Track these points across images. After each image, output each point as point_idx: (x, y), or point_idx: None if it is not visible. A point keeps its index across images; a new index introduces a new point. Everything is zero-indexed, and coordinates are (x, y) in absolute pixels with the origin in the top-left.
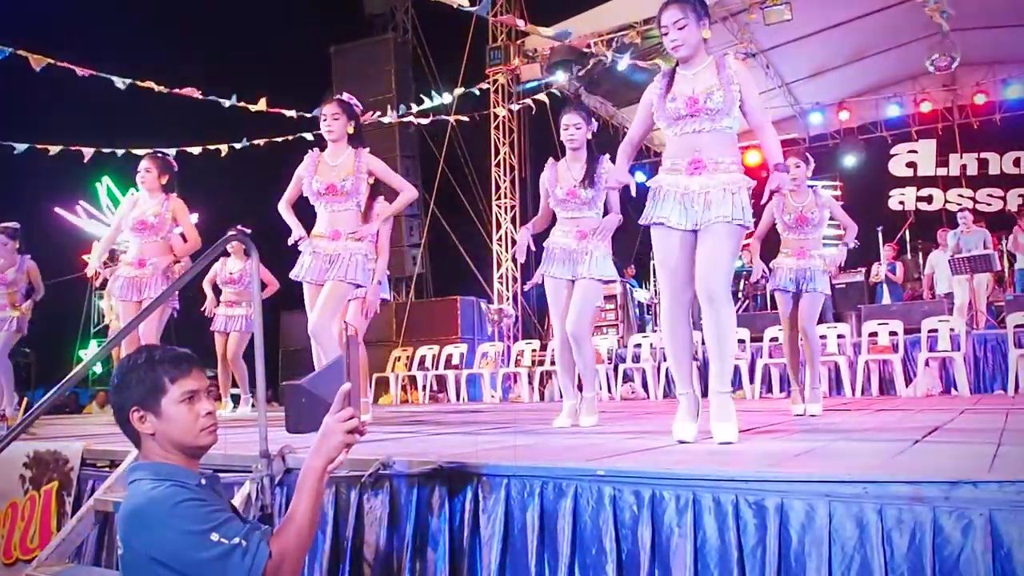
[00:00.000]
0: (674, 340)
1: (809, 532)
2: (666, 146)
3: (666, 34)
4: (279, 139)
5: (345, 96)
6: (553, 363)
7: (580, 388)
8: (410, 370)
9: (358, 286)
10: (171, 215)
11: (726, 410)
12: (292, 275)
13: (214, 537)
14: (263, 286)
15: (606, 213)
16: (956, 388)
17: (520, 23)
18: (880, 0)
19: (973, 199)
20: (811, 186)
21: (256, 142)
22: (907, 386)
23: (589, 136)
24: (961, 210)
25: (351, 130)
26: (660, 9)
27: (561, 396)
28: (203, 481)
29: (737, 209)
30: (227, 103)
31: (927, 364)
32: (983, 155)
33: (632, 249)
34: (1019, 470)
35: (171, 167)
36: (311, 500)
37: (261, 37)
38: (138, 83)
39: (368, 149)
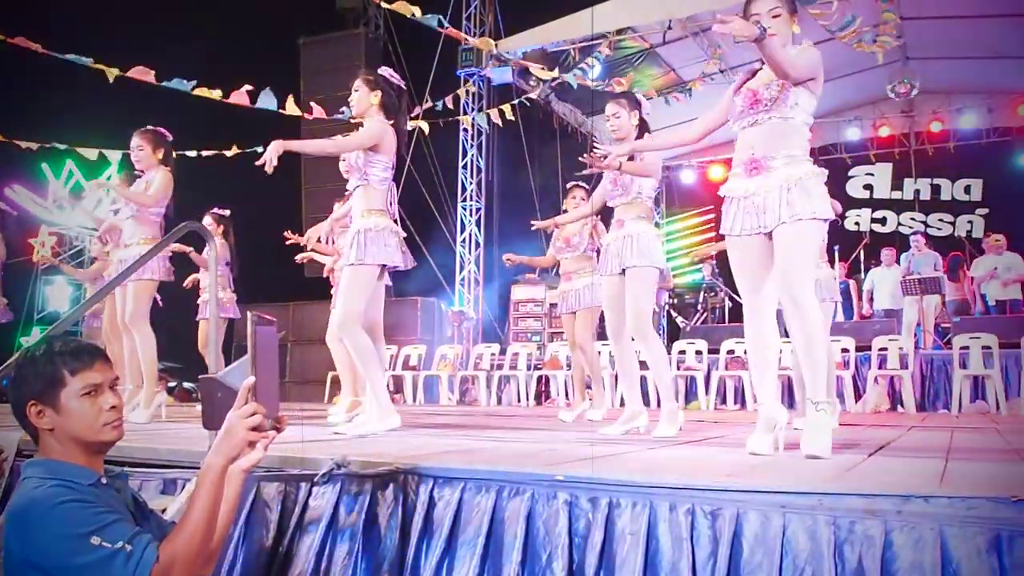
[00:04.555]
0: (756, 351)
1: (762, 544)
2: (734, 153)
3: (758, 22)
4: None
5: (376, 72)
6: (513, 367)
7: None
8: None
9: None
10: (144, 188)
11: (815, 422)
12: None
13: (94, 541)
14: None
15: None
16: (903, 405)
17: (472, 39)
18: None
19: (925, 223)
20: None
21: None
22: (856, 402)
23: (635, 121)
24: (914, 233)
25: (375, 100)
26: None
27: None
28: (103, 480)
29: (802, 202)
30: (184, 86)
31: (876, 381)
32: (936, 181)
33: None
34: (968, 487)
35: (164, 139)
36: (207, 501)
37: (226, 23)
38: (90, 64)
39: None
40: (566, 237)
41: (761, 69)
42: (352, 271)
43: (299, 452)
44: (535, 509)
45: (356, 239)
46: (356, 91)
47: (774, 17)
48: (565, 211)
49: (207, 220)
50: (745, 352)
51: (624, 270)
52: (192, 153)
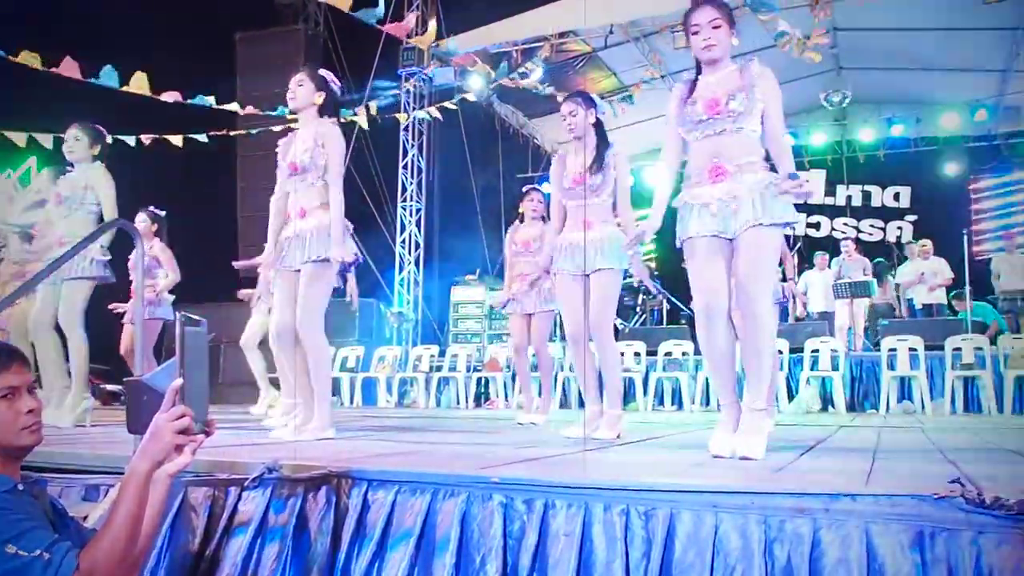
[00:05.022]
0: (711, 353)
1: (695, 543)
2: (689, 157)
3: (696, 33)
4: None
5: (310, 70)
6: (453, 369)
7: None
8: None
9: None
10: (84, 184)
11: (753, 425)
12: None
13: (10, 549)
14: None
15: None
16: (834, 406)
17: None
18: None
19: (857, 228)
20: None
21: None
22: (789, 402)
23: (592, 120)
24: (845, 239)
25: (319, 100)
26: (692, 8)
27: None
28: (20, 487)
29: (768, 208)
30: (111, 81)
31: (808, 382)
32: (867, 188)
33: None
34: (893, 485)
35: (103, 136)
36: (131, 507)
37: (161, 14)
38: (10, 57)
39: (333, 120)
40: (525, 241)
41: (702, 78)
42: (316, 269)
43: (230, 456)
44: (470, 511)
45: (317, 235)
46: (301, 85)
47: (715, 28)
48: (522, 214)
49: (141, 218)
50: (684, 354)
51: (588, 273)
52: (131, 140)
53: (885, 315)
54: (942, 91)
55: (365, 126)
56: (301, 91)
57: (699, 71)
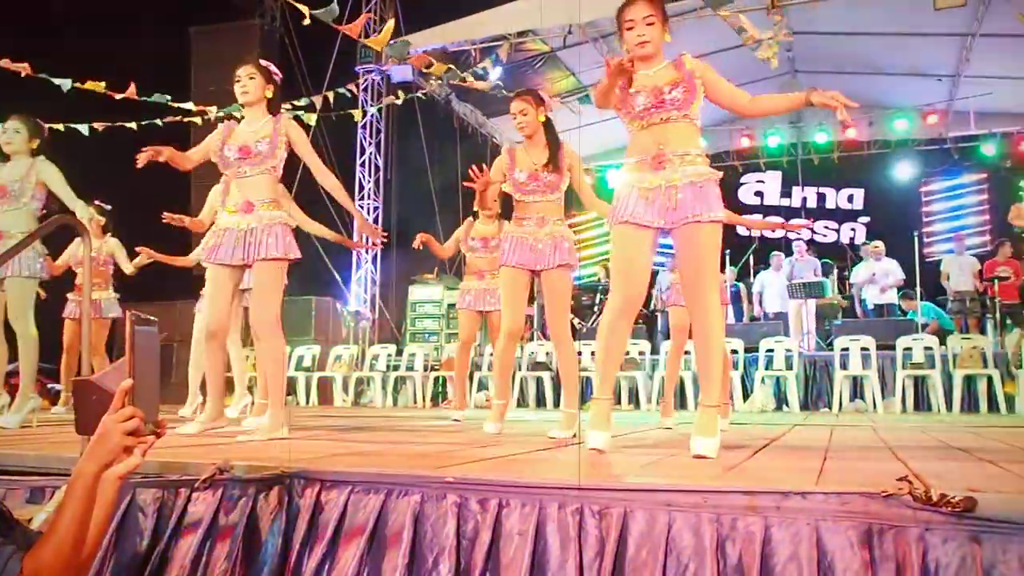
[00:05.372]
0: (611, 346)
1: (647, 541)
2: (629, 144)
3: (631, 28)
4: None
5: (262, 62)
6: (409, 368)
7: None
8: (256, 371)
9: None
10: (35, 179)
11: (707, 424)
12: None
13: None
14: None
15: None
16: (787, 404)
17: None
18: (736, 39)
19: (812, 229)
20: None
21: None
22: (744, 401)
23: (543, 118)
24: (796, 240)
25: (270, 94)
26: (626, 4)
27: (426, 399)
28: None
29: (707, 202)
30: (64, 84)
31: (763, 381)
32: (822, 189)
33: None
34: (843, 483)
35: (43, 131)
36: (77, 510)
37: (115, 6)
38: None
39: (292, 115)
40: (484, 237)
41: (638, 72)
42: (274, 267)
43: (180, 457)
44: (423, 511)
45: (272, 231)
46: (252, 78)
47: (648, 24)
48: (476, 211)
49: (90, 213)
50: (641, 354)
51: (540, 270)
52: (84, 128)
53: (829, 315)
54: (894, 95)
55: (312, 122)
56: (253, 84)
57: (632, 65)
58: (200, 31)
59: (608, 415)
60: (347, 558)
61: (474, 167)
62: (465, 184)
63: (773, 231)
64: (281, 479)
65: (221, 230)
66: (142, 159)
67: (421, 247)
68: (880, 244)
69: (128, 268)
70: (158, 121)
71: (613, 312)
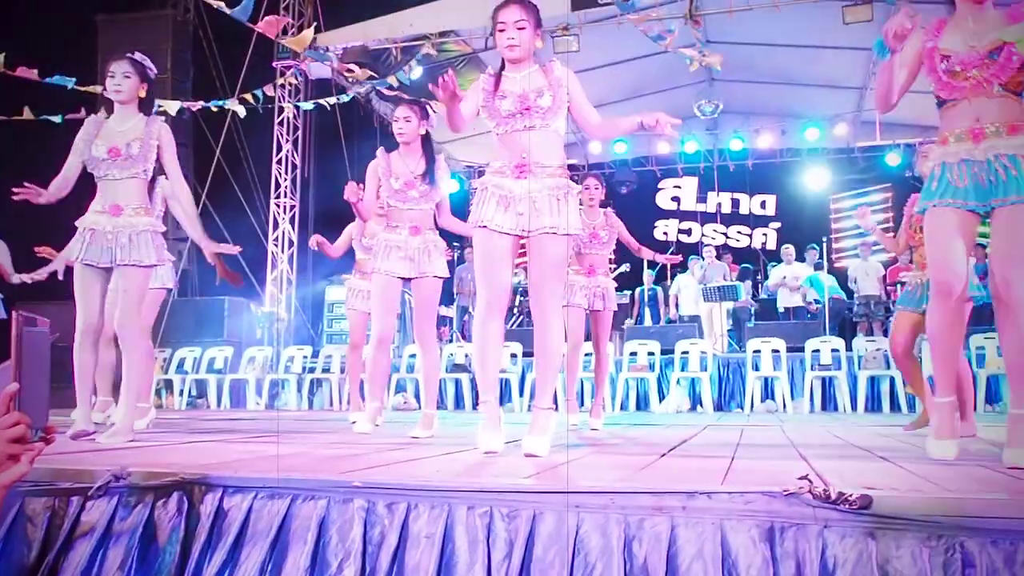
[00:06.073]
0: (484, 347)
1: (555, 542)
2: (495, 149)
3: (502, 31)
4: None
5: (137, 56)
6: (325, 370)
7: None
8: (167, 373)
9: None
10: None
11: (542, 424)
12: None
13: None
14: None
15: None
16: (702, 405)
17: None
18: (655, 46)
19: (725, 234)
20: (602, 207)
21: None
22: (660, 402)
23: (423, 131)
24: (707, 246)
25: (143, 94)
26: (500, 6)
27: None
28: None
29: (562, 215)
30: None
31: (678, 383)
32: (736, 196)
33: None
34: (748, 482)
35: None
36: None
37: None
38: None
39: (164, 118)
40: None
41: (507, 74)
42: (140, 273)
43: (74, 464)
44: (329, 516)
45: (143, 238)
46: (128, 77)
47: (519, 29)
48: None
49: None
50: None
51: (411, 277)
52: None
53: (743, 318)
54: (803, 105)
55: (242, 113)
56: (128, 84)
57: (503, 67)
58: (107, 20)
59: (498, 416)
60: (248, 566)
61: (353, 183)
62: (345, 198)
63: (653, 257)
64: (181, 485)
65: (87, 230)
66: (19, 195)
67: (316, 248)
68: (791, 248)
69: (13, 277)
70: (56, 118)
71: (479, 315)
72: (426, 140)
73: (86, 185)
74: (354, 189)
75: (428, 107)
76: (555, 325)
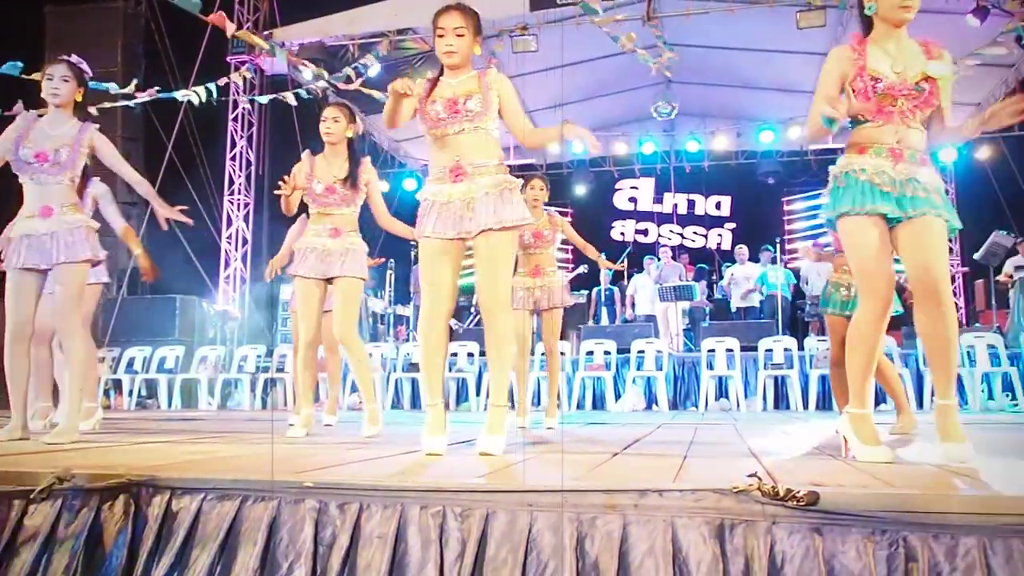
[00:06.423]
0: (429, 350)
1: (508, 541)
2: (430, 156)
3: (442, 36)
4: None
5: (74, 58)
6: (280, 370)
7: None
8: (116, 373)
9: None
10: None
11: (496, 423)
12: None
13: None
14: None
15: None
16: (657, 404)
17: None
18: (613, 47)
19: (682, 235)
20: (546, 208)
21: None
22: (616, 401)
23: (351, 134)
24: (663, 246)
25: (79, 98)
26: (441, 11)
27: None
28: None
29: (504, 209)
30: None
31: (634, 382)
32: (692, 196)
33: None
34: (699, 480)
35: None
36: None
37: None
38: None
39: (97, 127)
40: None
41: (444, 79)
42: (77, 270)
43: (15, 466)
44: (280, 517)
45: (79, 234)
46: (66, 81)
47: (458, 35)
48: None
49: None
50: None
51: (330, 278)
52: None
53: (698, 318)
54: (757, 108)
55: (197, 101)
56: (67, 88)
57: (442, 72)
58: (55, 11)
59: (443, 420)
60: (197, 569)
61: (285, 177)
62: (275, 192)
63: (597, 259)
64: (127, 487)
65: (17, 237)
66: None
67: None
68: (744, 248)
69: None
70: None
71: (423, 321)
72: (351, 145)
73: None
74: (285, 181)
75: (356, 113)
76: (505, 321)
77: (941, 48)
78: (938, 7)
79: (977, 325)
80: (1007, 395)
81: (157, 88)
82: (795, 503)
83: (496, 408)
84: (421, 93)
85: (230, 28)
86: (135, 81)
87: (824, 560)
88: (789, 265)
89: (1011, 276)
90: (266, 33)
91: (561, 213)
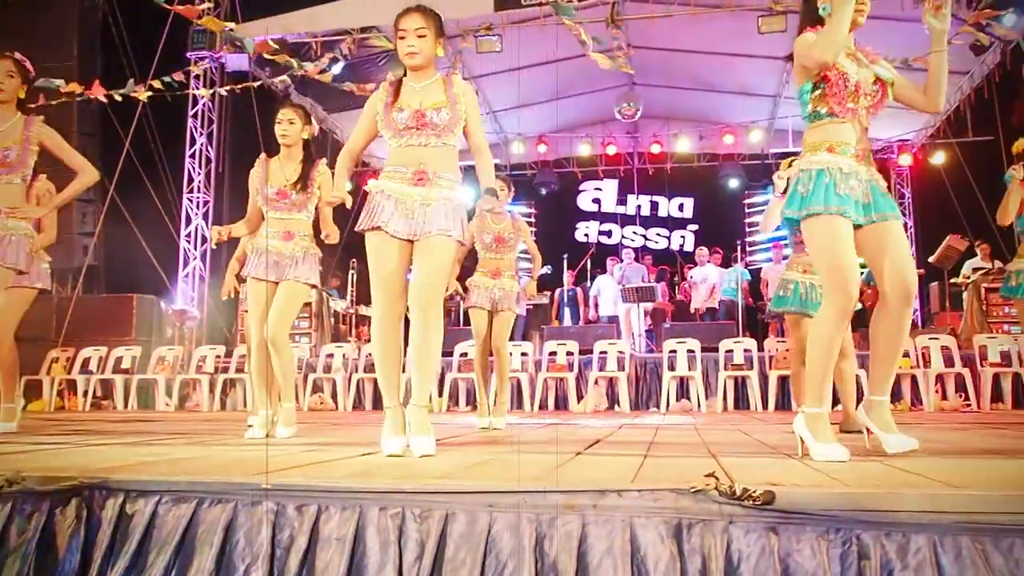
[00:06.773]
0: (385, 352)
1: (467, 541)
2: (389, 155)
3: (403, 38)
4: None
5: (18, 55)
6: (239, 370)
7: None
8: (70, 373)
9: (21, 272)
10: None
11: (424, 423)
12: None
13: None
14: None
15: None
16: (619, 404)
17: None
18: (578, 48)
19: (645, 236)
20: (509, 211)
21: None
22: (579, 402)
23: (306, 136)
24: (625, 248)
25: (23, 94)
26: (402, 13)
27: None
28: None
29: (455, 223)
30: None
31: (596, 383)
32: (655, 198)
33: (336, 259)
34: (658, 480)
35: None
36: None
37: None
38: None
39: (42, 118)
40: None
41: (407, 82)
42: (11, 275)
43: None
44: (237, 520)
45: (13, 242)
46: (11, 76)
47: (420, 37)
48: None
49: None
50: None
51: (279, 280)
52: None
53: (659, 319)
54: (719, 111)
55: (143, 98)
56: (12, 83)
57: (404, 74)
58: (8, 1)
59: (402, 421)
60: (152, 573)
61: (219, 230)
62: (212, 246)
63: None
64: (80, 490)
65: None
66: None
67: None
68: (704, 250)
69: None
70: None
71: (376, 323)
72: (307, 147)
73: None
74: (217, 233)
75: (312, 115)
76: (436, 324)
77: (876, 55)
78: (894, 14)
79: (932, 327)
80: (959, 395)
81: (108, 92)
82: (751, 502)
83: (418, 408)
84: (386, 100)
85: (194, 13)
86: (74, 83)
87: (780, 559)
88: (752, 268)
89: (968, 277)
90: (227, 28)
91: (524, 215)
